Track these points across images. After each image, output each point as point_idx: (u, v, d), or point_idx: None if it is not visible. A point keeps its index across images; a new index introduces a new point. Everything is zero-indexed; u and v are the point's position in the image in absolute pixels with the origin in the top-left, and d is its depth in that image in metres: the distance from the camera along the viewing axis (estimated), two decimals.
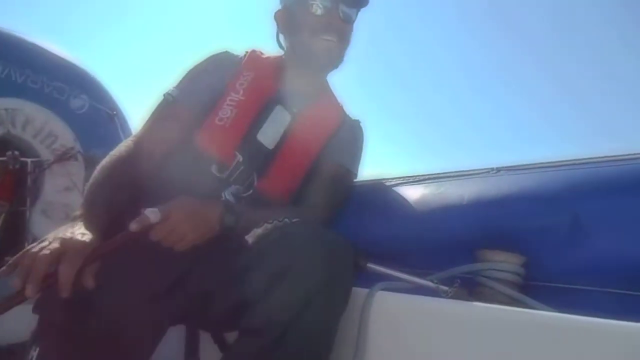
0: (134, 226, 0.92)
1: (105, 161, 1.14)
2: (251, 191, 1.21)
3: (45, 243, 0.85)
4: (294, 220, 0.99)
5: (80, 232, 0.90)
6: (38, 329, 0.93)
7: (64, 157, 2.04)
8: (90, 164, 2.05)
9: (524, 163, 1.18)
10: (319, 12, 1.24)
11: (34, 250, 0.83)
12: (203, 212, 1.03)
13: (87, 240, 0.88)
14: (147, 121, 1.26)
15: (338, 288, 0.92)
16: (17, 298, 0.80)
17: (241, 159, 1.22)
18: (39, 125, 2.00)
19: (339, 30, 1.26)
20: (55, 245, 0.83)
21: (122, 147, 1.18)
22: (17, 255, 0.85)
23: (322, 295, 0.88)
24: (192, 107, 1.25)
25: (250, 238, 1.02)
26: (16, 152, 1.97)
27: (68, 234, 0.88)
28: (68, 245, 0.84)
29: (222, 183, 1.19)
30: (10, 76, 2.07)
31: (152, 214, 0.94)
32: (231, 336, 1.08)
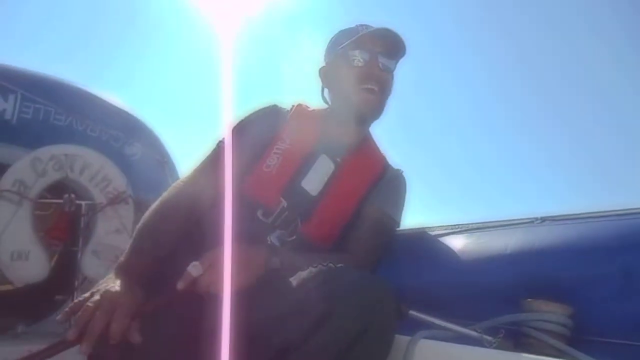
0: (179, 285, 0.97)
1: (154, 206, 1.20)
2: (295, 236, 1.24)
3: (97, 298, 0.92)
4: (338, 265, 1.01)
5: (127, 286, 0.98)
6: None
7: (116, 200, 2.13)
8: (140, 207, 2.14)
9: (569, 213, 1.17)
10: (359, 64, 1.30)
11: (89, 305, 0.90)
12: (246, 256, 1.06)
13: (134, 295, 0.96)
14: (199, 166, 1.32)
15: (380, 335, 0.92)
16: (64, 345, 0.87)
17: (286, 205, 1.25)
18: (95, 170, 2.12)
19: (379, 79, 1.30)
20: (106, 302, 0.91)
21: (171, 190, 1.25)
22: (73, 304, 0.94)
23: (363, 342, 0.88)
24: (241, 156, 1.30)
25: (294, 281, 1.03)
26: (72, 195, 2.09)
27: (117, 288, 0.96)
28: (118, 302, 0.91)
29: (268, 228, 1.23)
30: (72, 125, 2.23)
31: (193, 268, 0.98)
32: None
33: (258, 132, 1.34)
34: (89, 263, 2.07)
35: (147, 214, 1.19)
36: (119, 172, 2.14)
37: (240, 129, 1.36)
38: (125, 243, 2.06)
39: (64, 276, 2.12)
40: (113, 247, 2.10)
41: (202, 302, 0.99)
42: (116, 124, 2.38)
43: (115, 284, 0.98)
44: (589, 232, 1.07)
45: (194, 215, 1.22)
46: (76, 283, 2.10)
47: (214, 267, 1.00)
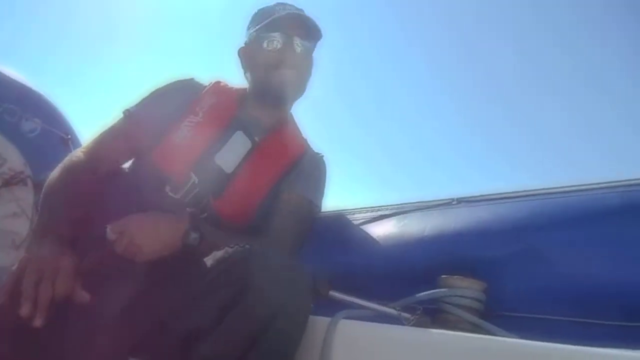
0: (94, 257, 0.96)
1: (56, 171, 1.15)
2: (206, 214, 1.20)
3: (34, 266, 0.86)
4: (254, 247, 0.98)
5: (59, 249, 0.93)
6: None
7: (12, 181, 1.93)
8: (40, 188, 1.95)
9: (483, 194, 1.21)
10: (274, 47, 1.27)
11: (30, 275, 0.85)
12: (165, 225, 1.03)
13: (69, 256, 0.92)
14: (101, 134, 1.26)
15: (295, 316, 0.91)
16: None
17: (196, 181, 1.21)
18: None
19: (296, 63, 1.29)
20: (47, 267, 0.86)
21: (72, 157, 1.19)
22: (8, 280, 0.88)
23: (276, 325, 0.87)
24: (148, 126, 1.25)
25: (209, 260, 1.00)
26: None
27: (50, 252, 0.91)
28: (58, 265, 0.87)
29: (177, 204, 1.18)
30: None
31: (109, 231, 0.97)
32: None
33: (170, 104, 1.28)
34: None
35: (49, 179, 1.13)
36: (15, 150, 1.93)
37: (152, 99, 1.31)
38: (24, 227, 1.91)
39: None
40: (10, 233, 1.91)
41: (121, 270, 0.97)
42: (10, 96, 2.11)
43: (44, 249, 0.93)
44: (501, 213, 1.12)
45: (98, 182, 1.17)
46: None
47: (126, 234, 0.98)
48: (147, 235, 0.99)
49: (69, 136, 2.27)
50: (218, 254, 1.00)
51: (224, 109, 1.31)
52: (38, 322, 0.81)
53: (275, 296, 0.87)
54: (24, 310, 0.81)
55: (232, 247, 0.98)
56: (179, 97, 1.30)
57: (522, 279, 1.01)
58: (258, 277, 0.89)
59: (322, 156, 1.46)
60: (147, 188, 1.20)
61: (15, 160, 1.96)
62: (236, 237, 1.10)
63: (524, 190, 1.17)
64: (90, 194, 1.13)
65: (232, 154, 1.26)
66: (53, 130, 2.21)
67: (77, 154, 1.21)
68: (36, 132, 2.12)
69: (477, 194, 1.22)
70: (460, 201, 1.20)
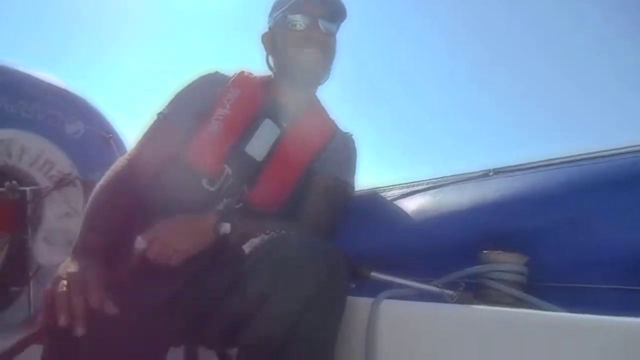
0: (130, 261, 0.99)
1: (101, 183, 1.18)
2: (242, 204, 1.22)
3: (64, 282, 0.90)
4: (291, 232, 1.00)
5: (90, 263, 0.96)
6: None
7: (62, 183, 2.03)
8: (88, 188, 2.05)
9: (519, 164, 1.18)
10: (300, 28, 1.27)
11: (61, 291, 0.89)
12: (194, 224, 1.07)
13: (99, 269, 0.95)
14: (140, 140, 1.29)
15: (333, 297, 0.93)
16: (36, 338, 0.85)
17: (230, 172, 1.23)
18: (35, 153, 2.00)
19: (321, 43, 1.29)
20: (76, 281, 0.90)
21: (117, 167, 1.22)
22: (44, 298, 0.92)
23: (317, 306, 0.89)
24: (182, 125, 1.27)
25: (246, 248, 1.03)
26: (14, 182, 1.97)
27: (80, 267, 0.94)
28: (86, 279, 0.91)
29: (214, 197, 1.21)
30: (3, 108, 2.07)
31: (138, 243, 1.01)
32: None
33: (198, 100, 1.30)
34: (41, 250, 1.98)
35: (94, 191, 1.16)
36: (61, 154, 2.03)
37: (181, 98, 1.33)
38: (76, 226, 1.99)
39: (17, 267, 2.02)
40: (65, 232, 2.01)
41: (157, 274, 1.00)
42: (53, 102, 2.21)
43: (75, 265, 0.96)
44: (539, 182, 1.09)
45: (141, 190, 1.20)
46: (30, 273, 2.02)
47: (158, 239, 1.01)
48: (179, 235, 1.03)
49: (111, 135, 2.36)
50: (255, 240, 1.02)
51: (250, 99, 1.32)
52: (79, 331, 0.85)
53: (313, 278, 0.89)
54: (61, 321, 0.85)
55: (267, 234, 1.01)
56: (206, 91, 1.32)
57: (564, 249, 0.99)
58: (295, 261, 0.91)
59: (351, 135, 1.45)
60: (184, 185, 1.24)
61: (62, 163, 2.05)
62: (271, 223, 1.13)
63: (561, 157, 1.13)
64: (133, 204, 1.16)
65: (261, 142, 1.28)
66: (95, 131, 2.30)
67: (121, 162, 1.24)
68: (79, 134, 2.22)
69: (513, 163, 1.19)
70: (497, 172, 1.18)
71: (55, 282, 0.92)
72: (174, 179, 1.27)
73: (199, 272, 1.03)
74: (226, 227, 1.06)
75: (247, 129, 1.28)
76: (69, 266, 0.96)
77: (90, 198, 1.16)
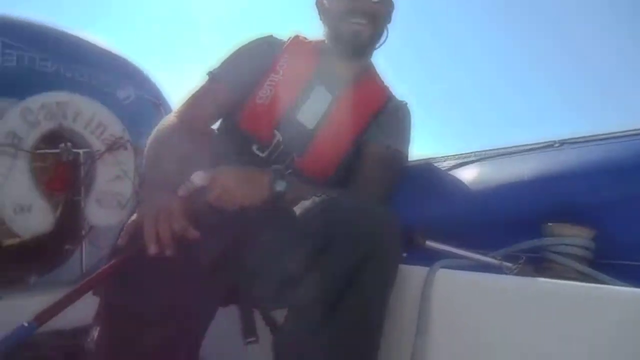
0: (180, 192, 0.98)
1: (154, 134, 1.19)
2: (291, 171, 1.21)
3: (151, 212, 0.92)
4: (344, 196, 0.99)
5: (168, 195, 0.98)
6: (98, 311, 0.97)
7: (114, 146, 2.07)
8: (139, 153, 2.08)
9: (587, 135, 1.12)
10: None
11: (149, 218, 0.91)
12: (252, 175, 1.05)
13: (178, 200, 0.96)
14: (189, 98, 1.29)
15: (386, 261, 0.91)
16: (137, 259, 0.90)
17: (281, 139, 1.23)
18: (89, 116, 2.04)
19: (369, 11, 1.25)
20: (162, 210, 0.92)
21: (166, 122, 1.22)
22: (126, 226, 0.96)
23: (366, 271, 0.87)
24: (232, 86, 1.27)
25: (298, 209, 1.03)
26: (69, 144, 2.02)
27: (161, 200, 0.95)
28: (171, 207, 0.92)
29: (263, 163, 1.20)
30: (59, 71, 2.12)
31: (197, 177, 0.99)
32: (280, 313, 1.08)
33: (251, 63, 1.30)
34: (93, 212, 2.03)
35: (149, 143, 1.18)
36: (114, 118, 2.06)
37: (233, 60, 1.32)
38: (127, 189, 2.06)
39: (70, 226, 2.09)
40: (115, 194, 2.06)
41: (211, 223, 0.98)
42: (106, 67, 2.25)
43: (156, 198, 0.98)
44: (610, 154, 1.03)
45: (191, 142, 1.19)
46: (83, 232, 2.08)
47: (218, 182, 0.99)
48: (237, 183, 1.01)
49: (160, 101, 2.39)
50: (306, 202, 1.02)
51: (303, 65, 1.30)
52: (169, 252, 0.88)
53: (365, 240, 0.88)
54: (152, 249, 0.87)
55: (319, 196, 1.00)
56: (260, 55, 1.31)
57: (634, 225, 0.93)
58: (348, 222, 0.90)
59: (406, 104, 1.42)
60: (234, 149, 1.24)
61: (114, 127, 2.09)
62: (323, 188, 1.11)
63: (632, 130, 1.07)
64: (183, 156, 1.16)
65: (313, 109, 1.27)
66: (145, 97, 2.33)
67: (170, 117, 1.25)
68: (130, 99, 2.25)
69: (581, 135, 1.13)
70: (563, 143, 1.12)
71: (142, 211, 0.95)
72: (222, 143, 1.28)
73: (251, 228, 1.02)
74: (282, 185, 1.04)
75: (300, 95, 1.27)
76: (150, 200, 0.98)
77: (147, 148, 1.17)
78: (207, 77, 1.30)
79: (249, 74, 1.28)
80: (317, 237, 0.91)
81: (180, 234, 0.90)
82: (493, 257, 0.97)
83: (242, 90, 1.27)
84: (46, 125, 1.97)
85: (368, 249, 0.87)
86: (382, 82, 1.41)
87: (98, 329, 0.96)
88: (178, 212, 0.92)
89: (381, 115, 1.33)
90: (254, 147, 1.24)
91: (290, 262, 0.94)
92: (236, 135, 1.26)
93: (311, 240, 0.92)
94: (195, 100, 1.28)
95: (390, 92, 1.41)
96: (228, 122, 1.32)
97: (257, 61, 1.30)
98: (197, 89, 1.30)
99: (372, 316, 0.92)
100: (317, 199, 1.01)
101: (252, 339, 1.17)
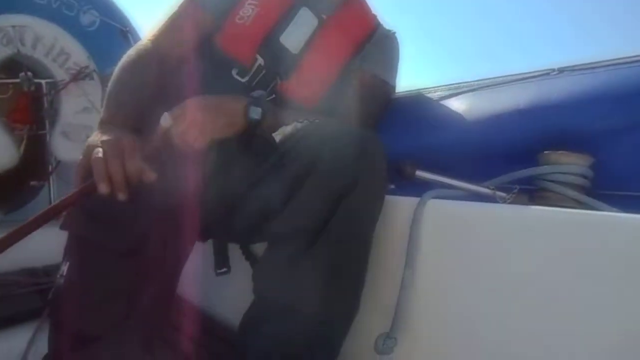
0: (153, 138, 0.89)
1: (123, 61, 1.09)
2: (274, 96, 1.15)
3: (99, 149, 0.81)
4: (327, 121, 0.92)
5: (123, 133, 0.88)
6: (67, 245, 0.92)
7: (79, 76, 1.94)
8: (106, 83, 1.96)
9: (587, 62, 1.07)
10: None
11: (97, 156, 0.80)
12: (224, 105, 0.96)
13: (133, 138, 0.86)
14: (165, 22, 1.18)
15: (370, 189, 0.85)
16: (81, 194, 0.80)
17: (263, 62, 1.15)
18: (50, 43, 1.89)
19: None
20: (112, 147, 0.81)
21: (139, 47, 1.13)
22: (80, 164, 0.85)
23: (352, 198, 0.82)
24: (212, 9, 1.17)
25: (277, 136, 0.97)
26: (29, 73, 1.88)
27: (114, 135, 0.85)
28: (123, 145, 0.82)
29: (244, 88, 1.13)
30: None
31: (163, 119, 0.89)
32: (260, 248, 1.04)
33: None
34: (60, 145, 1.93)
35: (117, 70, 1.07)
36: (77, 45, 1.91)
37: None
38: (95, 122, 1.93)
39: (36, 161, 1.99)
40: (83, 127, 1.95)
41: (180, 159, 0.90)
42: None
43: (108, 134, 0.87)
44: (611, 81, 0.98)
45: (163, 72, 1.10)
46: (50, 167, 1.98)
47: (184, 117, 0.89)
48: (207, 115, 0.91)
49: (127, 28, 2.23)
50: (287, 128, 0.96)
51: None
52: (122, 197, 0.78)
53: (350, 165, 0.82)
54: (102, 188, 0.77)
55: (301, 122, 0.94)
56: None
57: (634, 154, 0.90)
58: (329, 149, 0.84)
59: (394, 33, 1.34)
60: (213, 73, 1.16)
61: (79, 55, 1.95)
62: (304, 115, 1.04)
63: (633, 56, 1.02)
64: (157, 85, 1.08)
65: (298, 32, 1.18)
66: (111, 23, 2.17)
67: (143, 43, 1.15)
68: (95, 26, 2.09)
69: (580, 62, 1.07)
70: (562, 70, 1.07)
71: (87, 151, 0.84)
72: (200, 67, 1.19)
73: (226, 160, 0.96)
74: (257, 112, 0.96)
75: (283, 17, 1.18)
76: (101, 136, 0.87)
77: (113, 78, 1.07)
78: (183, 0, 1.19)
79: None
80: (298, 163, 0.86)
81: (134, 174, 0.80)
82: (486, 186, 0.93)
83: (222, 11, 1.17)
84: (3, 52, 1.82)
85: (353, 175, 0.82)
86: (370, 10, 1.33)
87: (67, 263, 0.91)
88: (131, 150, 0.82)
89: (368, 43, 1.26)
90: (234, 72, 1.16)
91: (268, 192, 0.89)
92: (214, 60, 1.17)
93: (292, 168, 0.87)
94: (172, 24, 1.17)
95: (377, 21, 1.33)
96: (204, 46, 1.22)
97: None
98: (173, 11, 1.19)
99: (357, 246, 0.88)
100: (298, 124, 0.95)
101: (224, 269, 1.14)
